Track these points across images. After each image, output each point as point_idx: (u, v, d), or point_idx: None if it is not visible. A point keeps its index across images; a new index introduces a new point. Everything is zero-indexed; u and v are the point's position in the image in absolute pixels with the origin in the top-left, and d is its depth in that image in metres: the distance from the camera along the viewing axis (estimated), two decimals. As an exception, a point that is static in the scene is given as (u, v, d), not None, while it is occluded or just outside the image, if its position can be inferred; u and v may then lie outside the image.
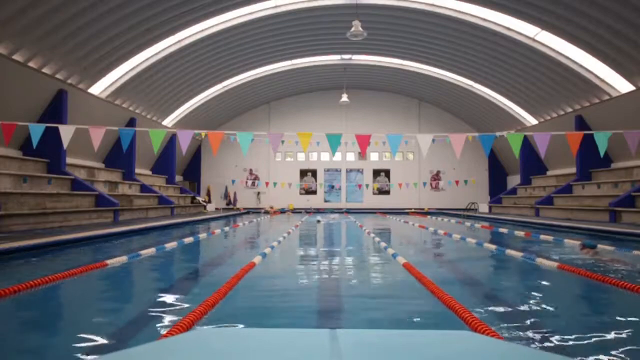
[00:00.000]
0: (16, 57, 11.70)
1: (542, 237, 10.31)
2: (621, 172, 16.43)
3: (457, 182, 22.92)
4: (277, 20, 16.97)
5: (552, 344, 3.02)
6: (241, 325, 3.54)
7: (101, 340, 3.13)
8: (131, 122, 18.53)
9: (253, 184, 27.81)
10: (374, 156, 28.69)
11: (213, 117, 25.95)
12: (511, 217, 17.63)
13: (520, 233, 11.47)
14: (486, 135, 9.17)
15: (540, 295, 4.75)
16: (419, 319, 3.79)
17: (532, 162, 22.19)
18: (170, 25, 14.68)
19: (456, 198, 26.84)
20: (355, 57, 22.85)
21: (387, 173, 28.59)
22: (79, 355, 2.88)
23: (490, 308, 4.10)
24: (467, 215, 20.79)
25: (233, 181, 25.62)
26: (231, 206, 27.37)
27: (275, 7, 16.32)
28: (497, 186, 27.66)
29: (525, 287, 5.32)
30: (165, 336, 2.84)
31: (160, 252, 7.64)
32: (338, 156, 28.01)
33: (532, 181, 22.42)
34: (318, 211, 26.36)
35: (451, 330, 1.87)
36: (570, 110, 18.56)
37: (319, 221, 17.03)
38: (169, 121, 22.50)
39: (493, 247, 8.51)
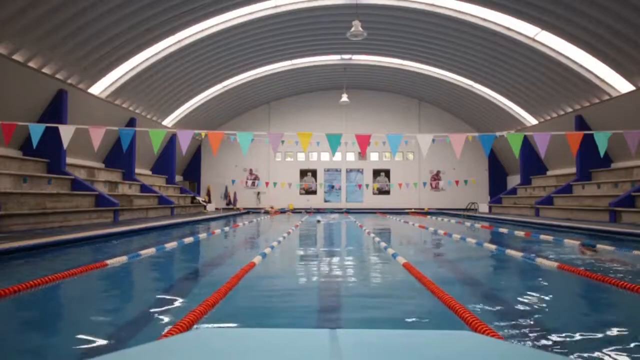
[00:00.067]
0: (16, 57, 11.70)
1: (542, 237, 10.31)
2: (621, 172, 16.43)
3: (457, 182, 22.92)
4: (277, 20, 16.97)
5: (552, 344, 3.02)
6: (241, 325, 3.53)
7: (101, 341, 3.13)
8: (131, 122, 18.53)
9: (253, 184, 27.81)
10: (374, 156, 28.69)
11: (213, 117, 25.95)
12: (511, 217, 17.62)
13: (520, 233, 11.47)
14: (486, 135, 9.17)
15: (540, 295, 4.75)
16: (419, 319, 3.79)
17: (532, 162, 22.19)
18: (170, 25, 14.68)
19: (456, 198, 26.84)
20: (355, 57, 22.85)
21: (387, 173, 28.60)
22: (79, 355, 2.88)
23: (490, 308, 4.10)
24: (467, 215, 20.79)
25: (233, 181, 25.62)
26: (231, 206, 27.37)
27: (275, 7, 16.32)
28: (497, 186, 27.66)
29: (525, 287, 5.32)
30: (165, 336, 2.84)
31: (160, 252, 7.64)
32: (338, 156, 28.01)
33: (532, 181, 22.42)
34: (318, 211, 26.36)
35: (451, 330, 1.87)
36: (570, 110, 18.56)
37: (318, 221, 17.03)
38: (169, 121, 22.50)
39: (493, 247, 8.51)
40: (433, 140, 9.20)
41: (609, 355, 2.77)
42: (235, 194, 27.75)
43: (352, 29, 13.67)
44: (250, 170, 28.37)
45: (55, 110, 13.59)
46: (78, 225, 12.10)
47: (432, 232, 12.61)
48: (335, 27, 17.75)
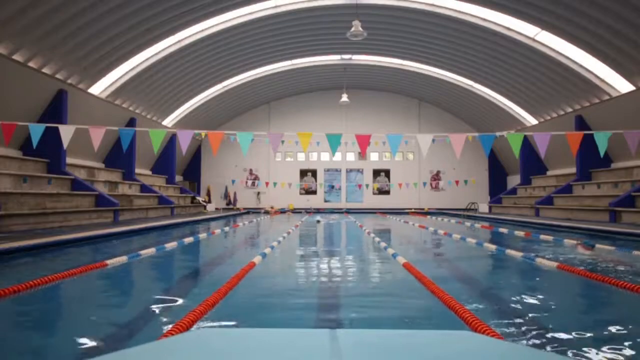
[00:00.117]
0: (16, 57, 11.70)
1: (542, 237, 10.31)
2: (621, 172, 16.43)
3: (457, 182, 22.92)
4: (277, 20, 16.97)
5: (552, 344, 3.02)
6: (241, 325, 3.53)
7: (101, 341, 3.13)
8: (131, 122, 18.53)
9: (253, 184, 27.81)
10: (374, 156, 28.69)
11: (213, 117, 25.95)
12: (511, 217, 17.62)
13: (520, 233, 11.47)
14: (486, 135, 9.17)
15: (540, 295, 4.75)
16: (419, 319, 3.79)
17: (532, 162, 22.19)
18: (170, 25, 14.68)
19: (456, 198, 26.84)
20: (355, 57, 22.85)
21: (387, 173, 28.59)
22: (79, 355, 2.88)
23: (490, 308, 4.10)
24: (467, 215, 20.79)
25: (233, 181, 25.62)
26: (231, 206, 27.36)
27: (275, 7, 16.32)
28: (497, 186, 27.66)
29: (525, 287, 5.32)
30: (165, 336, 2.84)
31: (160, 252, 7.64)
32: (338, 156, 28.01)
33: (532, 181, 22.41)
34: (318, 211, 26.36)
35: (451, 330, 1.87)
36: (570, 110, 18.56)
37: (318, 221, 17.03)
38: (169, 121, 22.50)
39: (493, 247, 8.51)
40: (433, 140, 9.20)
41: (609, 355, 2.77)
42: (235, 194, 27.75)
43: (352, 29, 13.67)
44: (250, 170, 28.37)
45: (55, 110, 13.59)
46: (78, 225, 12.10)
47: (432, 232, 12.61)
48: (335, 27, 17.75)
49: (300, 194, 28.34)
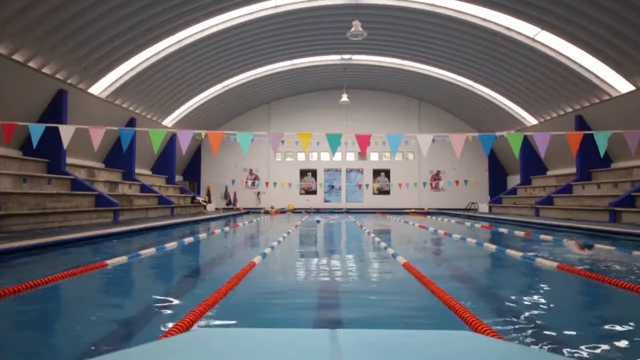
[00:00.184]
0: (16, 57, 11.70)
1: (542, 237, 10.31)
2: (621, 172, 16.43)
3: (457, 182, 22.92)
4: (277, 20, 16.97)
5: (552, 344, 3.02)
6: (241, 325, 3.53)
7: (101, 341, 3.13)
8: (131, 122, 18.53)
9: (253, 184, 27.81)
10: (374, 156, 28.69)
11: (213, 117, 25.95)
12: (511, 217, 17.62)
13: (520, 233, 11.47)
14: (486, 135, 9.17)
15: (540, 295, 4.75)
16: (419, 319, 3.79)
17: (532, 162, 22.19)
18: (170, 25, 14.68)
19: (456, 198, 26.84)
20: (355, 57, 22.85)
21: (387, 173, 28.59)
22: (79, 355, 2.88)
23: (490, 308, 4.10)
24: (467, 215, 20.79)
25: (233, 181, 25.61)
26: (231, 206, 27.36)
27: (275, 7, 16.32)
28: (497, 186, 27.66)
29: (525, 287, 5.32)
30: (165, 336, 2.84)
31: (160, 252, 7.64)
32: (338, 156, 28.01)
33: (532, 181, 22.41)
34: (318, 211, 26.36)
35: (451, 330, 1.87)
36: (570, 110, 18.56)
37: (318, 221, 17.04)
38: (169, 121, 22.50)
39: (493, 247, 8.51)
40: (433, 140, 9.20)
41: (609, 355, 2.77)
42: (235, 194, 27.75)
43: (352, 29, 13.67)
44: (250, 170, 28.37)
45: (55, 110, 13.59)
46: (78, 225, 12.10)
47: (432, 232, 12.61)
48: (335, 27, 17.75)
49: (300, 194, 28.34)
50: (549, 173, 21.97)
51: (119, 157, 17.70)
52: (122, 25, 13.30)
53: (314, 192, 28.48)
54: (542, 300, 4.37)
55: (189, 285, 5.42)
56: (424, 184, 26.22)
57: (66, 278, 5.07)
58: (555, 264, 6.01)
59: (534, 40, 16.12)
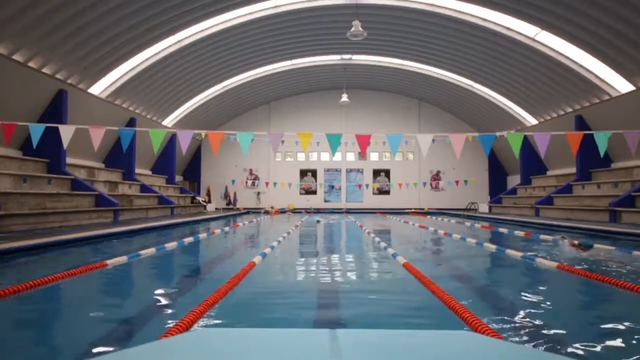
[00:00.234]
0: (16, 57, 11.70)
1: (542, 237, 10.31)
2: (621, 172, 16.43)
3: (457, 182, 22.92)
4: (277, 20, 16.97)
5: (552, 344, 3.02)
6: (241, 325, 3.53)
7: (101, 341, 3.13)
8: (131, 122, 18.53)
9: (253, 184, 27.81)
10: (374, 156, 28.69)
11: (213, 117, 25.95)
12: (511, 217, 17.62)
13: (520, 233, 11.47)
14: (486, 135, 9.17)
15: (540, 295, 4.75)
16: (419, 319, 3.79)
17: (532, 162, 22.19)
18: (170, 25, 14.68)
19: (456, 198, 26.84)
20: (355, 57, 22.85)
21: (387, 173, 28.59)
22: (79, 355, 2.88)
23: (490, 308, 4.10)
24: (467, 215, 20.79)
25: (233, 181, 25.62)
26: (231, 206, 27.36)
27: (275, 7, 16.32)
28: (497, 186, 27.66)
29: (525, 287, 5.32)
30: (165, 336, 2.84)
31: (160, 252, 7.64)
32: (338, 156, 28.01)
33: (532, 181, 22.41)
34: (318, 211, 26.36)
35: (451, 330, 1.87)
36: (570, 110, 18.56)
37: (318, 221, 17.04)
38: (169, 121, 22.50)
39: (493, 247, 8.51)
40: (433, 140, 9.20)
41: (609, 355, 2.77)
42: (235, 194, 27.75)
43: (352, 29, 13.67)
44: (250, 170, 28.37)
45: (55, 110, 13.59)
46: (78, 225, 12.10)
47: (432, 232, 12.61)
48: (335, 27, 17.75)
49: (300, 194, 28.34)
50: (549, 173, 21.97)
51: (119, 157, 17.70)
52: (122, 25, 13.30)
53: (314, 192, 28.48)
54: (542, 300, 4.37)
55: (189, 285, 5.42)
56: (424, 184, 26.22)
57: (66, 278, 5.07)
58: (555, 264, 6.01)
59: (534, 40, 16.12)
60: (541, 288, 5.19)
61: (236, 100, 25.43)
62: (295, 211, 26.50)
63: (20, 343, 3.21)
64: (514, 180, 25.80)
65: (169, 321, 3.49)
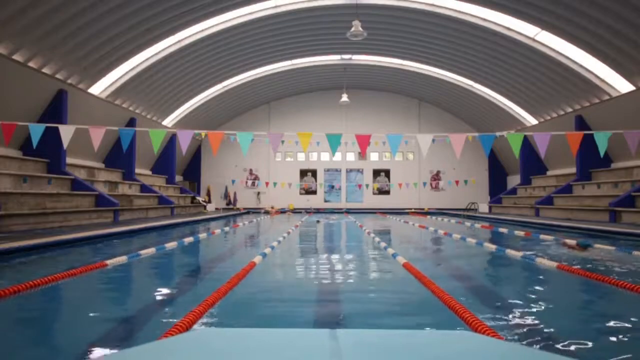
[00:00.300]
0: (16, 57, 11.70)
1: (542, 237, 10.31)
2: (621, 172, 16.43)
3: (457, 182, 22.92)
4: (277, 20, 16.97)
5: (552, 344, 3.02)
6: (241, 325, 3.53)
7: (101, 341, 3.13)
8: (131, 122, 18.53)
9: (253, 184, 27.81)
10: (374, 156, 28.69)
11: (213, 117, 25.95)
12: (511, 217, 17.62)
13: (520, 233, 11.47)
14: (486, 135, 9.17)
15: (540, 295, 4.75)
16: (419, 319, 3.79)
17: (532, 162, 22.19)
18: (170, 25, 14.68)
19: (456, 198, 26.84)
20: (355, 57, 22.85)
21: (387, 173, 28.59)
22: (79, 355, 2.88)
23: (490, 308, 4.10)
24: (467, 215, 20.79)
25: (233, 181, 25.62)
26: (231, 206, 27.37)
27: (275, 7, 16.32)
28: (497, 186, 27.66)
29: (525, 287, 5.32)
30: (165, 336, 2.84)
31: (160, 252, 7.64)
32: (338, 156, 28.01)
33: (532, 181, 22.41)
34: (318, 211, 26.36)
35: (451, 330, 1.87)
36: (570, 110, 18.56)
37: (318, 221, 17.05)
38: (169, 121, 22.50)
39: (493, 247, 8.51)
40: (433, 140, 9.20)
41: (609, 355, 2.77)
42: (235, 194, 27.75)
43: (352, 29, 13.66)
44: (250, 170, 28.37)
45: (55, 110, 13.59)
46: (78, 225, 12.10)
47: (432, 232, 12.61)
48: (335, 27, 17.75)
49: (300, 194, 28.34)
50: (549, 173, 21.97)
51: (119, 157, 17.70)
52: (122, 25, 13.30)
53: (314, 192, 28.48)
54: (542, 300, 4.37)
55: (189, 285, 5.42)
56: (424, 184, 26.22)
57: (66, 278, 5.07)
58: (555, 264, 6.01)
59: (534, 40, 16.12)
60: (541, 288, 5.19)
61: (236, 100, 25.43)
62: (295, 211, 26.49)
63: (20, 343, 3.20)
64: (514, 180, 25.80)
65: (169, 321, 3.49)
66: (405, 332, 1.77)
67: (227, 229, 13.96)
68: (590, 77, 16.06)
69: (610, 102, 16.12)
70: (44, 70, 12.89)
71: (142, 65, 16.64)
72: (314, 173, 28.59)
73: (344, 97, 22.49)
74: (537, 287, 5.24)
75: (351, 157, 28.70)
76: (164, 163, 22.96)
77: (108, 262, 6.02)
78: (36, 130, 8.45)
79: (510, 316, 3.71)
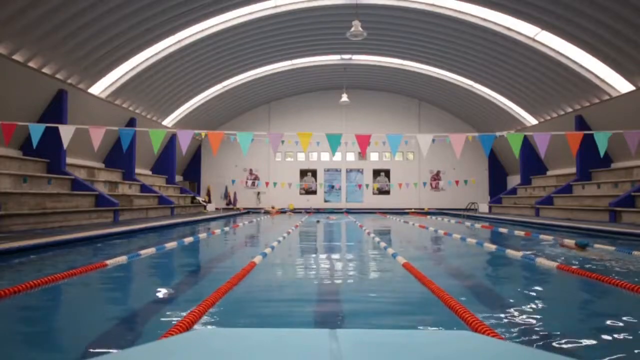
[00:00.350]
0: (16, 57, 11.70)
1: (542, 237, 10.31)
2: (621, 172, 16.43)
3: (457, 182, 22.93)
4: (277, 20, 16.97)
5: (552, 344, 3.02)
6: (241, 325, 3.53)
7: (101, 341, 3.13)
8: (131, 122, 18.53)
9: (253, 184, 27.81)
10: (374, 156, 28.69)
11: (213, 117, 25.95)
12: (511, 217, 17.62)
13: (520, 233, 11.47)
14: (486, 135, 9.17)
15: (540, 295, 4.75)
16: (419, 319, 3.79)
17: (532, 162, 22.20)
18: (170, 25, 14.68)
19: (456, 198, 26.84)
20: (355, 57, 22.85)
21: (387, 173, 28.60)
22: (78, 355, 2.88)
23: (490, 307, 4.10)
24: (467, 215, 20.79)
25: (233, 181, 25.62)
26: (231, 206, 27.37)
27: (275, 7, 16.32)
28: (497, 186, 27.67)
29: (525, 287, 5.32)
30: (165, 336, 2.84)
31: (160, 252, 7.64)
32: (338, 156, 28.01)
33: (532, 181, 22.42)
34: (318, 211, 26.35)
35: (451, 330, 1.87)
36: (570, 110, 18.57)
37: (318, 221, 17.05)
38: (169, 121, 22.51)
39: (493, 247, 8.51)
40: (433, 140, 9.20)
41: (609, 355, 2.77)
42: (235, 194, 27.75)
43: (352, 29, 13.66)
44: (250, 170, 28.37)
45: (55, 110, 13.59)
46: (78, 225, 12.10)
47: (432, 232, 12.61)
48: (335, 27, 17.75)
49: (300, 194, 28.34)
50: (549, 173, 21.97)
51: (119, 157, 17.70)
52: (122, 25, 13.30)
53: (314, 192, 28.48)
54: (542, 300, 4.37)
55: (189, 285, 5.42)
56: (424, 184, 26.23)
57: (66, 278, 5.07)
58: (555, 264, 6.01)
59: (534, 40, 16.12)
60: (541, 288, 5.19)
61: (236, 100, 25.43)
62: (295, 211, 26.49)
63: (20, 343, 3.20)
64: (514, 180, 25.80)
65: (169, 321, 3.49)
66: (405, 332, 1.77)
67: (227, 229, 13.96)
68: (590, 77, 16.06)
69: (610, 102, 16.12)
70: (44, 70, 12.89)
71: (142, 65, 16.64)
72: (314, 173, 28.59)
73: (344, 97, 22.50)
74: (537, 287, 5.24)
75: (351, 157, 28.70)
76: (164, 163, 22.96)
77: (108, 262, 6.03)
78: (36, 130, 8.46)
79: (510, 316, 3.71)
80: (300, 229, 13.66)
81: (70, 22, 11.96)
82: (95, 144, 8.43)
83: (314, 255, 8.16)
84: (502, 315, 3.75)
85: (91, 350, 2.92)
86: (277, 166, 28.22)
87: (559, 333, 3.26)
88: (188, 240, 9.60)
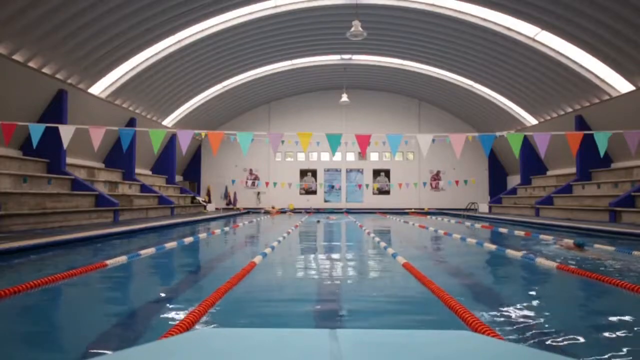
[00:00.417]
0: (16, 57, 11.70)
1: (542, 237, 10.31)
2: (621, 172, 16.43)
3: (457, 182, 22.92)
4: (277, 20, 16.96)
5: (552, 344, 3.02)
6: (241, 325, 3.53)
7: (101, 341, 3.13)
8: (131, 122, 18.53)
9: (253, 184, 27.81)
10: (374, 156, 28.69)
11: (213, 117, 25.95)
12: (511, 217, 17.62)
13: (520, 233, 11.47)
14: (486, 135, 9.17)
15: (540, 295, 4.75)
16: (418, 318, 3.79)
17: (532, 162, 22.20)
18: (170, 25, 14.68)
19: (456, 198, 26.84)
20: (355, 57, 22.84)
21: (387, 173, 28.59)
22: (79, 355, 2.88)
23: (490, 307, 4.10)
24: (467, 215, 20.79)
25: (233, 181, 25.62)
26: (231, 206, 27.37)
27: (275, 7, 16.32)
28: (497, 186, 27.66)
29: (525, 287, 5.32)
30: (165, 336, 2.84)
31: (160, 252, 7.64)
32: (338, 156, 28.01)
33: (532, 181, 22.42)
34: (318, 211, 26.35)
35: (451, 330, 1.87)
36: (570, 110, 18.56)
37: (318, 221, 17.05)
38: (169, 121, 22.50)
39: (493, 247, 8.51)
40: (433, 140, 9.20)
41: (608, 355, 2.77)
42: (235, 194, 27.75)
43: (352, 29, 13.66)
44: (250, 170, 28.37)
45: (55, 110, 13.59)
46: (78, 225, 12.10)
47: (432, 232, 12.61)
48: (335, 27, 17.75)
49: (300, 194, 28.34)
50: (549, 173, 21.97)
51: (119, 157, 17.70)
52: (122, 25, 13.30)
53: (314, 192, 28.48)
54: (542, 300, 4.38)
55: (189, 285, 5.42)
56: (424, 184, 26.22)
57: (66, 278, 5.07)
58: (554, 264, 6.01)
59: (534, 40, 16.12)
60: (541, 288, 5.19)
61: (236, 100, 25.43)
62: (295, 211, 26.49)
63: (20, 343, 3.20)
64: (514, 180, 25.80)
65: (169, 321, 3.49)
66: (405, 332, 1.77)
67: (227, 229, 13.97)
68: (590, 77, 16.06)
69: (610, 102, 16.12)
70: (44, 70, 12.89)
71: (142, 65, 16.64)
72: (314, 173, 28.59)
73: (344, 97, 22.50)
74: (536, 287, 5.24)
75: (351, 157, 28.70)
76: (164, 163, 22.96)
77: (108, 262, 6.03)
78: (36, 130, 8.46)
79: (510, 316, 3.71)
80: (300, 229, 13.66)
81: (70, 22, 11.96)
82: (95, 144, 8.43)
83: (313, 255, 8.16)
84: (502, 315, 3.75)
85: (91, 350, 2.92)
86: (277, 166, 28.22)
87: (558, 333, 3.26)
88: (188, 240, 9.60)
